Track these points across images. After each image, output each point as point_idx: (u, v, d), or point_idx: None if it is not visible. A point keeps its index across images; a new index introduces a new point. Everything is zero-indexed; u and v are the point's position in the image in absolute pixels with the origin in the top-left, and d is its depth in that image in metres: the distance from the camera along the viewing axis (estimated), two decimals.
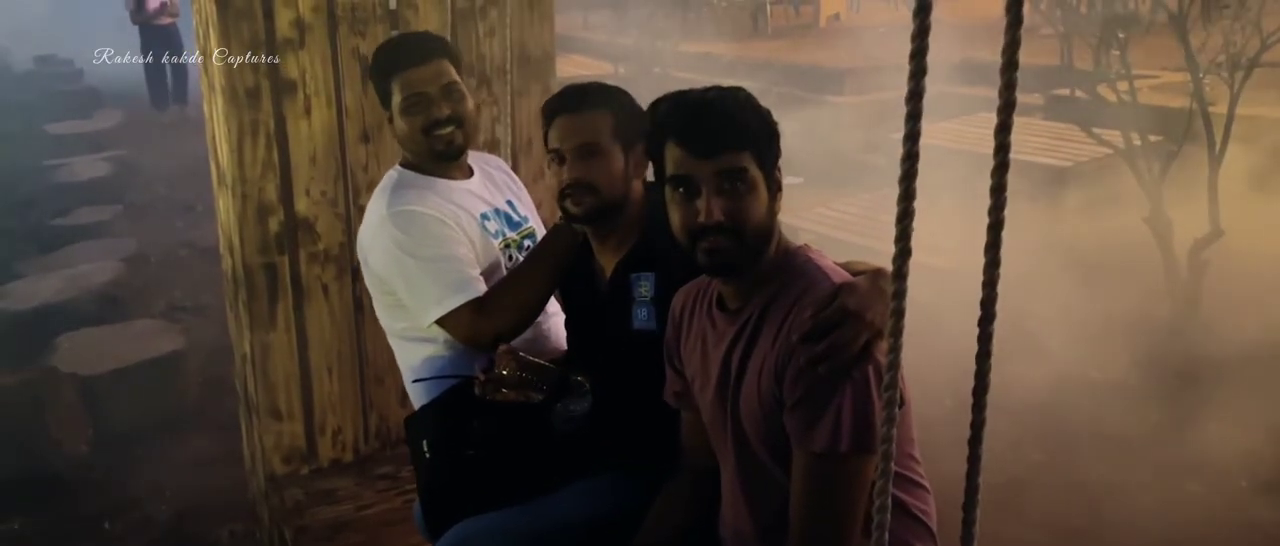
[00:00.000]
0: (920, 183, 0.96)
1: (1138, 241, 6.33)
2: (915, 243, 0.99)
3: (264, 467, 3.37)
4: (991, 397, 1.04)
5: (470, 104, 2.44)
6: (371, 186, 3.28)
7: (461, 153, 2.46)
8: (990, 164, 0.98)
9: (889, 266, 1.73)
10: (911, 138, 0.96)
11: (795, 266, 1.73)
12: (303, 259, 3.24)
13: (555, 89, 3.55)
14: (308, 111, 3.16)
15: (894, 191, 0.97)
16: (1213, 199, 6.12)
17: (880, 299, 1.62)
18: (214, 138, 3.32)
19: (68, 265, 6.46)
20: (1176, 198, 6.33)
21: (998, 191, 0.98)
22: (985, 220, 0.99)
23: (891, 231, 1.00)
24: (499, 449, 2.20)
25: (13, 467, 4.33)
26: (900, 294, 0.99)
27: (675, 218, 1.72)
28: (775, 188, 1.72)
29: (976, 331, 1.04)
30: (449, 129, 2.39)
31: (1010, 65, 0.95)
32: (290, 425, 3.33)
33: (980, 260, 1.03)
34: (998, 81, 0.95)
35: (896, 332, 1.00)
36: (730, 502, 1.85)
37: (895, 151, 0.97)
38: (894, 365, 1.02)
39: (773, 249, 1.73)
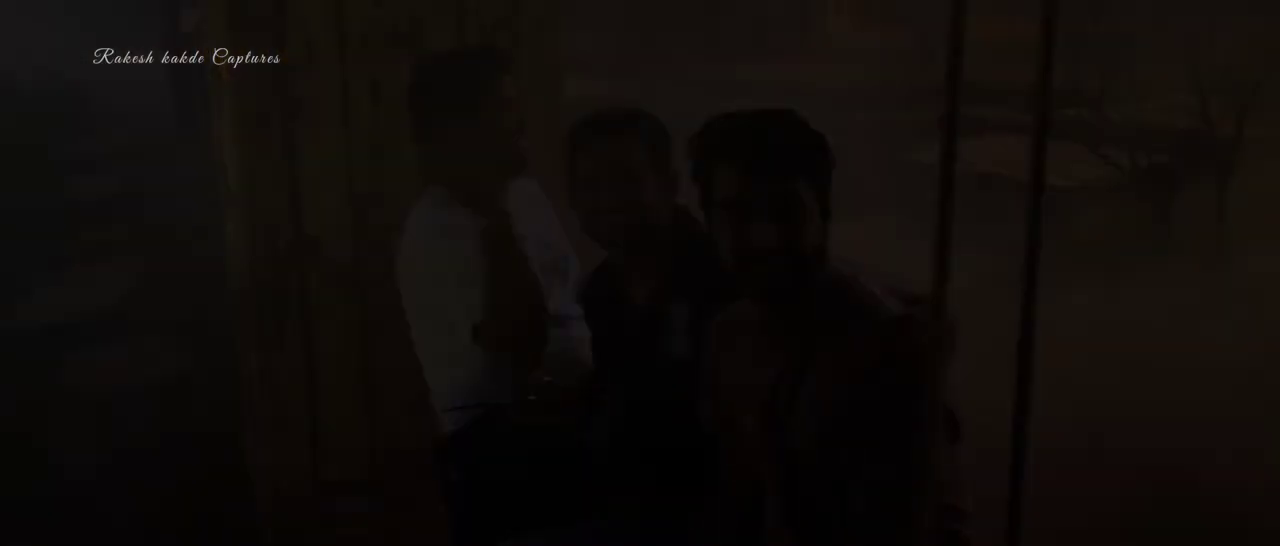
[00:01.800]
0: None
1: (1140, 255, 6.32)
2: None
3: (270, 488, 3.37)
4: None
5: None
6: (378, 206, 3.31)
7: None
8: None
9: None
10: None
11: (848, 294, 1.67)
12: (311, 279, 3.25)
13: (560, 105, 3.58)
14: (317, 132, 3.18)
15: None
16: (1220, 219, 6.12)
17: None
18: (223, 157, 3.34)
19: (75, 284, 6.48)
20: (1183, 217, 6.33)
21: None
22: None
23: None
24: (535, 473, 2.16)
25: (18, 488, 4.33)
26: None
27: (725, 242, 1.67)
28: (826, 211, 1.67)
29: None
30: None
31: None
32: (297, 445, 3.33)
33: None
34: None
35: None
36: (777, 527, 1.80)
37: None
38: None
39: (823, 274, 1.68)
